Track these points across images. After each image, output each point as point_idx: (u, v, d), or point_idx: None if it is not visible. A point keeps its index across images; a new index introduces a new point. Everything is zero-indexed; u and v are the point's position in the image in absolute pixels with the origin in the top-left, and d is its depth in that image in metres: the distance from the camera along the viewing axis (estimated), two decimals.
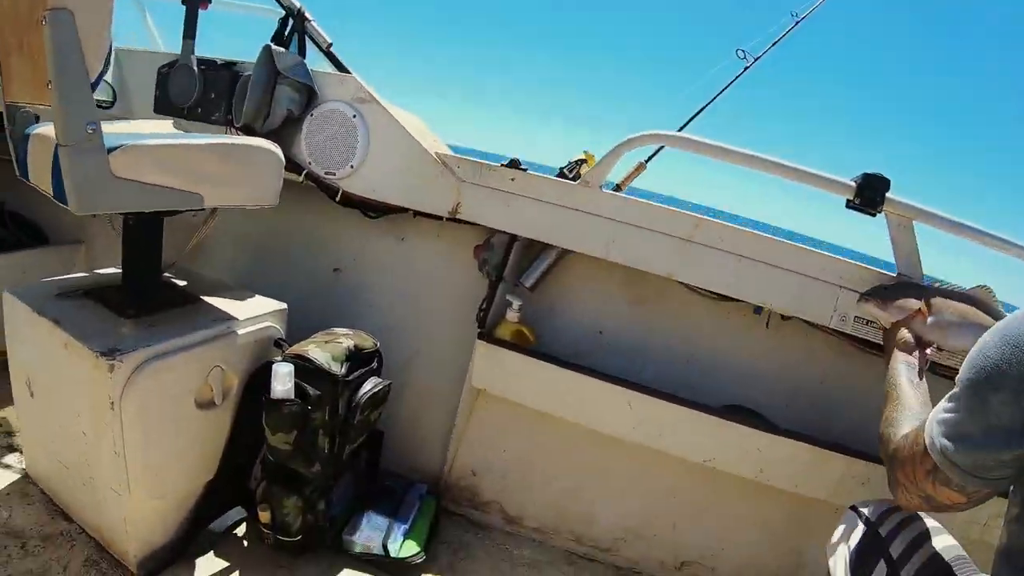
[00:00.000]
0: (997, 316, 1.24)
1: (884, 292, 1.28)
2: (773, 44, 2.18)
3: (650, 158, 1.89)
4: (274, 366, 1.26)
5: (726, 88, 2.12)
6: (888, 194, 1.31)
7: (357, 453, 1.48)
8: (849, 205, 1.34)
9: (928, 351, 1.18)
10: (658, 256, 1.47)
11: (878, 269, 1.39)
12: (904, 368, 1.09)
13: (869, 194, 1.31)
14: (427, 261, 1.82)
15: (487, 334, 1.61)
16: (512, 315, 1.62)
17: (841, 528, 1.05)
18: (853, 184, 1.32)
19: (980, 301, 1.25)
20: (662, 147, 1.84)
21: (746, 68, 2.13)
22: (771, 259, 1.41)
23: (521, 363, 1.55)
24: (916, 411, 0.95)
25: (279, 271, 1.89)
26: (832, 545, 1.04)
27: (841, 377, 1.55)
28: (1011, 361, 0.66)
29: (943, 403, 0.77)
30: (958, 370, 0.75)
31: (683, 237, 1.44)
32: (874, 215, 1.32)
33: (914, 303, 1.22)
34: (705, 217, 1.44)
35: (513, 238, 1.61)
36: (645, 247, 1.47)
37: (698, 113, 2.11)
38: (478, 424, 1.71)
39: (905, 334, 1.18)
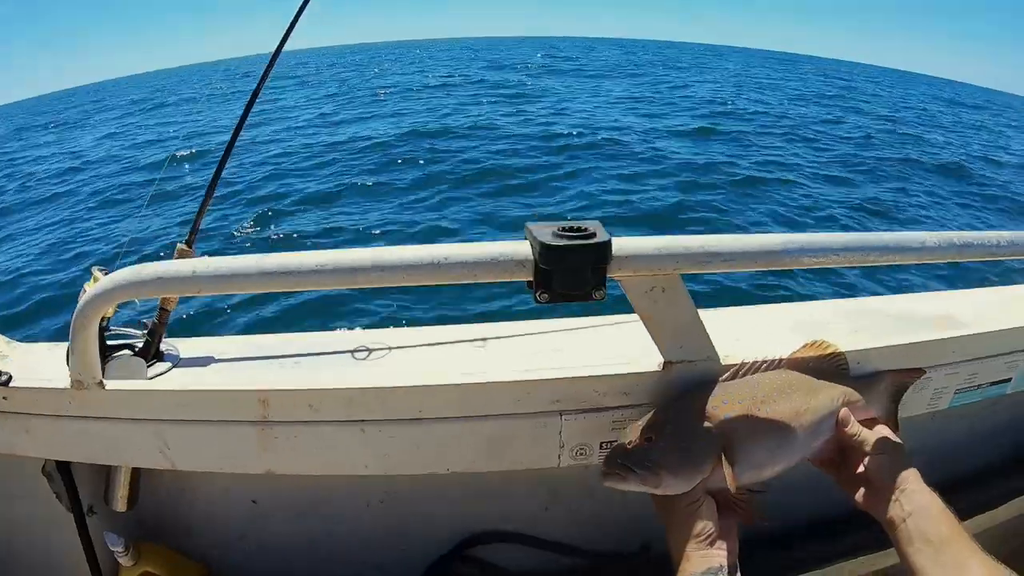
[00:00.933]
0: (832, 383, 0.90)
1: (648, 451, 0.79)
2: None
3: None
4: None
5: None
6: (615, 252, 0.73)
7: None
8: (531, 289, 0.73)
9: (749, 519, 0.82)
10: (239, 452, 0.97)
11: (638, 371, 0.91)
12: None
13: (560, 280, 0.71)
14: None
15: None
16: (124, 559, 1.09)
17: None
18: (529, 260, 0.72)
19: (801, 378, 0.88)
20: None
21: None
22: (420, 411, 0.92)
23: None
24: None
25: None
26: None
27: None
28: None
29: None
30: None
31: (257, 419, 0.94)
32: (599, 300, 0.75)
33: (704, 461, 0.78)
34: (276, 389, 0.93)
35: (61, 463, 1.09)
36: (214, 445, 0.98)
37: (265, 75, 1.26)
38: None
39: (701, 523, 0.77)
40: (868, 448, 0.87)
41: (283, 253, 0.73)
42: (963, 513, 1.34)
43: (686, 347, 0.89)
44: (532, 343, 1.04)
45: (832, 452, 0.91)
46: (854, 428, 0.88)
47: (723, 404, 0.83)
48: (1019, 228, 1.01)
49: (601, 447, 0.95)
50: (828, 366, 0.92)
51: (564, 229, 0.71)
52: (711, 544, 0.76)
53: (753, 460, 0.82)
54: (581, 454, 0.96)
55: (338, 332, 1.05)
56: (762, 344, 0.96)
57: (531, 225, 0.73)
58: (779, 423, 0.83)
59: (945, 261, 0.93)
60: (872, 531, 0.89)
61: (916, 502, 0.81)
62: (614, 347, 0.98)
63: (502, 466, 0.96)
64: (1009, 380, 1.23)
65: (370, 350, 0.98)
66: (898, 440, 0.90)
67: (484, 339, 1.03)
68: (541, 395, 0.91)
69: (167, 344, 1.10)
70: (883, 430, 0.91)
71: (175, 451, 0.98)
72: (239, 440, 0.95)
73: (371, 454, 0.94)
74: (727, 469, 0.77)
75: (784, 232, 0.85)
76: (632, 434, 0.82)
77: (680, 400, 0.86)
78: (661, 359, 0.90)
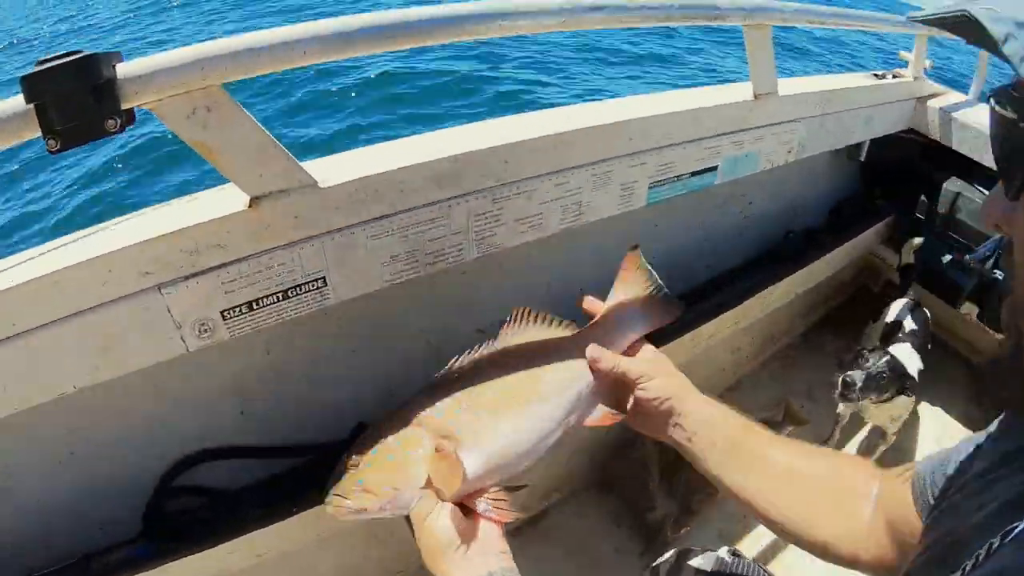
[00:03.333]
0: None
1: (355, 478, 0.72)
2: None
3: None
4: None
5: None
6: (123, 73, 0.62)
7: None
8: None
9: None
10: None
11: (222, 215, 0.76)
12: None
13: (59, 116, 0.59)
14: None
15: None
16: None
17: None
18: (26, 108, 0.59)
19: (523, 353, 0.78)
20: None
21: None
22: (14, 324, 0.74)
23: None
24: None
25: None
26: None
27: None
28: None
29: None
30: None
31: None
32: (115, 132, 0.62)
33: (417, 477, 0.69)
34: None
35: None
36: None
37: None
38: None
39: (445, 536, 0.66)
40: (632, 378, 0.77)
41: None
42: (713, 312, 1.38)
43: (267, 175, 0.75)
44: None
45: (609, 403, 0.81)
46: (608, 364, 0.78)
47: (435, 412, 0.72)
48: None
49: (224, 316, 0.82)
50: (545, 326, 0.81)
51: (51, 57, 0.59)
52: (465, 552, 0.65)
53: (490, 462, 0.71)
54: (206, 330, 0.82)
55: None
56: (371, 157, 0.85)
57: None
58: (509, 415, 0.74)
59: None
60: None
61: (696, 418, 0.77)
62: (180, 206, 0.82)
63: (127, 367, 0.80)
64: (715, 168, 1.19)
65: None
66: (660, 357, 0.83)
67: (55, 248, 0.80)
68: (125, 270, 0.74)
69: None
70: (645, 352, 0.83)
71: None
72: None
73: None
74: (445, 481, 0.67)
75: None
76: (345, 460, 0.73)
77: (389, 415, 0.75)
78: (246, 197, 0.76)
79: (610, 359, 0.78)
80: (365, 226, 0.85)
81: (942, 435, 1.77)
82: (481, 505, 0.69)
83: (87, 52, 0.59)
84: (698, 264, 1.52)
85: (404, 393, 0.75)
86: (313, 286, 0.86)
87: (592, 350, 0.78)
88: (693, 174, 1.16)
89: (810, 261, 1.61)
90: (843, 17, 1.26)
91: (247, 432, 1.04)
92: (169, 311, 0.78)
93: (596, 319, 0.84)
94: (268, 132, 0.73)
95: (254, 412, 1.03)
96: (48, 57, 0.59)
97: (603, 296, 0.86)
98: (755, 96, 1.17)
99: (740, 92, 1.19)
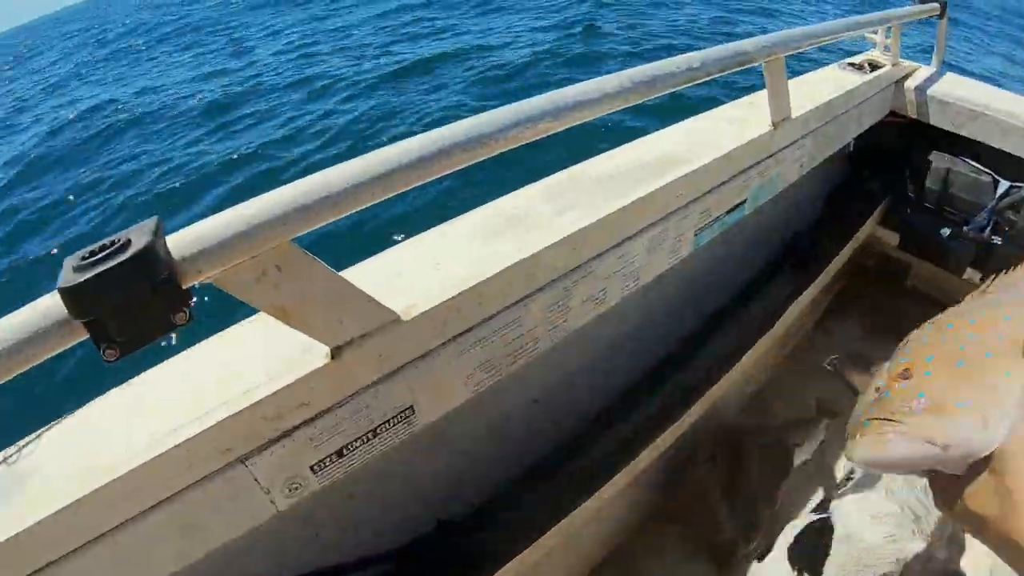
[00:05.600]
0: None
1: (915, 390, 0.50)
2: None
3: None
4: None
5: None
6: (178, 254, 0.52)
7: None
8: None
9: None
10: None
11: (303, 374, 0.71)
12: None
13: (119, 325, 0.48)
14: None
15: None
16: None
17: None
18: (66, 318, 0.48)
19: None
20: None
21: None
22: (97, 527, 0.67)
23: None
24: None
25: None
26: None
27: None
28: None
29: None
30: None
31: None
32: (183, 324, 0.51)
33: (1009, 399, 0.47)
34: None
35: None
36: None
37: None
38: None
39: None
40: None
41: None
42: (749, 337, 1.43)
43: (348, 322, 0.70)
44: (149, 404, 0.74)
45: None
46: None
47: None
48: None
49: (314, 470, 0.76)
50: None
51: (89, 254, 0.47)
52: None
53: None
54: (296, 487, 0.75)
55: None
56: (443, 267, 0.82)
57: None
58: None
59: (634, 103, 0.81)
60: None
61: None
62: (253, 357, 0.74)
63: (216, 542, 0.73)
64: (744, 202, 1.20)
65: None
66: None
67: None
68: (204, 453, 0.67)
69: None
70: None
71: None
72: None
73: None
74: None
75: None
76: (881, 382, 0.53)
77: (946, 315, 0.57)
78: (326, 348, 0.70)
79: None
80: (447, 346, 0.82)
81: None
82: None
83: (141, 243, 0.47)
84: (724, 278, 1.55)
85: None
86: (401, 417, 0.81)
87: None
88: (728, 212, 1.17)
89: (826, 263, 1.66)
90: (836, 31, 1.28)
91: (325, 554, 0.99)
92: (256, 480, 0.72)
93: None
94: (338, 275, 0.67)
95: (326, 535, 0.98)
96: (88, 252, 0.47)
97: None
98: (773, 124, 1.18)
99: (758, 122, 1.19)
